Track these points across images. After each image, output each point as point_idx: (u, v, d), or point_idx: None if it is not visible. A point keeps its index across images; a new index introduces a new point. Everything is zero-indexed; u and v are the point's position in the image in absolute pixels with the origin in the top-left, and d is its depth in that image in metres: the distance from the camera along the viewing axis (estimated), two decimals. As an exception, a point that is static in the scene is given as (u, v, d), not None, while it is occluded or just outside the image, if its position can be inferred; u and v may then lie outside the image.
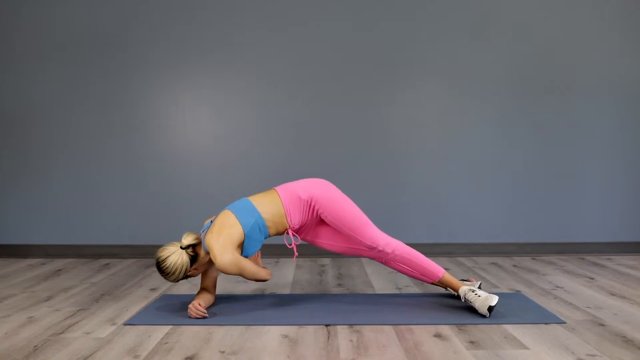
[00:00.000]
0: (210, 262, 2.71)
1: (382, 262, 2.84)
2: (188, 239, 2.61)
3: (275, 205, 2.69)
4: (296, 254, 2.78)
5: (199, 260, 2.63)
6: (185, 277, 2.62)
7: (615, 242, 4.24)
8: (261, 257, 4.17)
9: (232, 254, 2.52)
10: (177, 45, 4.22)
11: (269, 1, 4.22)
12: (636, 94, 4.25)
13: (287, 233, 2.78)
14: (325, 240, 2.84)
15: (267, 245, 4.14)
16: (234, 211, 2.63)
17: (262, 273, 2.66)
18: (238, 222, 2.59)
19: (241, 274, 2.57)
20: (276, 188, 2.77)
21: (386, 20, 4.21)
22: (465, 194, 4.24)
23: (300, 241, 2.83)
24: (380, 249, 2.71)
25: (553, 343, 2.18)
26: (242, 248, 2.63)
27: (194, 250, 2.62)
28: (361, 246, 2.78)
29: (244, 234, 2.59)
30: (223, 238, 2.53)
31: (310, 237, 2.85)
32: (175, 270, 2.56)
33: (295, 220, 2.72)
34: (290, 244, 2.80)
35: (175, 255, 2.56)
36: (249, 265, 2.59)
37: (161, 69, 4.23)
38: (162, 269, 2.57)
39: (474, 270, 3.64)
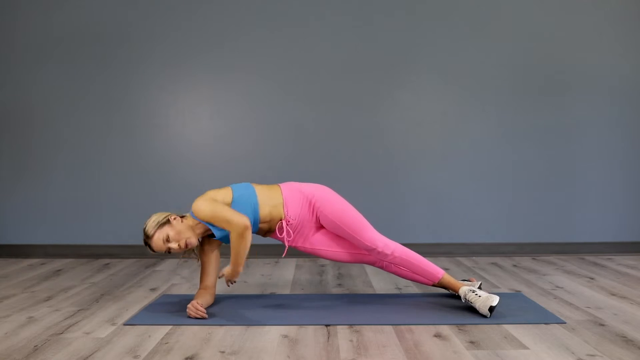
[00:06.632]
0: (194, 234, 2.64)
1: (381, 268, 2.85)
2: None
3: (274, 193, 2.75)
4: (287, 247, 2.79)
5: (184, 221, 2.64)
6: (168, 250, 2.61)
7: (615, 242, 4.24)
8: (260, 257, 4.18)
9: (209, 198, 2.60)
10: (177, 45, 4.22)
11: (269, 1, 4.22)
12: (636, 94, 4.25)
13: (281, 227, 2.74)
14: (322, 246, 2.81)
15: (266, 245, 4.13)
16: (232, 185, 2.75)
17: (238, 222, 2.48)
18: (229, 188, 2.70)
19: (214, 215, 2.52)
20: (279, 184, 2.83)
21: (386, 21, 4.21)
22: (465, 194, 4.24)
23: (292, 235, 2.76)
24: (380, 249, 2.71)
25: (553, 343, 2.18)
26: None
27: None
28: (360, 249, 2.79)
29: (232, 197, 2.65)
30: (207, 194, 2.64)
31: (309, 243, 2.81)
32: (156, 216, 2.62)
33: (292, 212, 2.73)
34: (281, 235, 2.77)
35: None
36: (226, 208, 2.54)
37: (161, 69, 4.23)
38: (145, 224, 2.62)
39: (474, 270, 3.64)
